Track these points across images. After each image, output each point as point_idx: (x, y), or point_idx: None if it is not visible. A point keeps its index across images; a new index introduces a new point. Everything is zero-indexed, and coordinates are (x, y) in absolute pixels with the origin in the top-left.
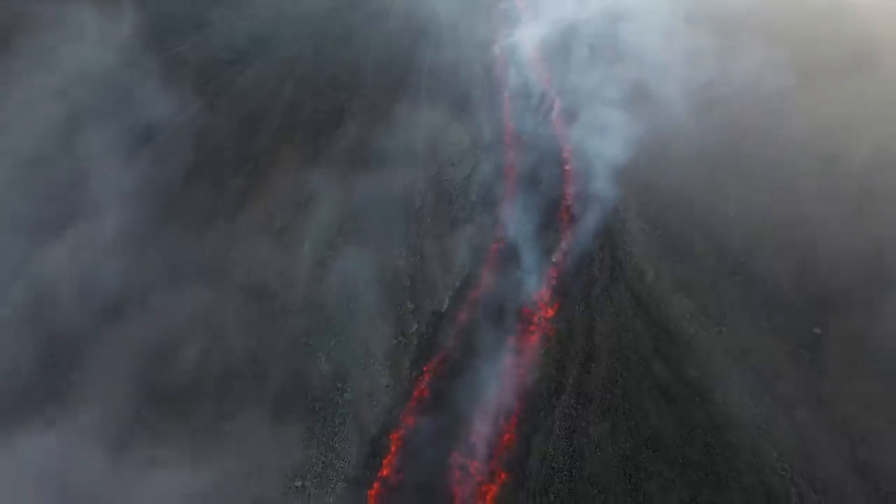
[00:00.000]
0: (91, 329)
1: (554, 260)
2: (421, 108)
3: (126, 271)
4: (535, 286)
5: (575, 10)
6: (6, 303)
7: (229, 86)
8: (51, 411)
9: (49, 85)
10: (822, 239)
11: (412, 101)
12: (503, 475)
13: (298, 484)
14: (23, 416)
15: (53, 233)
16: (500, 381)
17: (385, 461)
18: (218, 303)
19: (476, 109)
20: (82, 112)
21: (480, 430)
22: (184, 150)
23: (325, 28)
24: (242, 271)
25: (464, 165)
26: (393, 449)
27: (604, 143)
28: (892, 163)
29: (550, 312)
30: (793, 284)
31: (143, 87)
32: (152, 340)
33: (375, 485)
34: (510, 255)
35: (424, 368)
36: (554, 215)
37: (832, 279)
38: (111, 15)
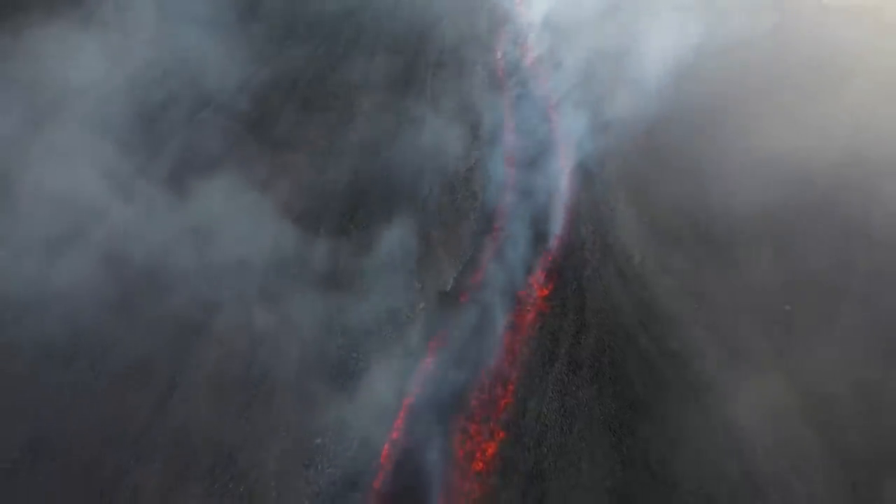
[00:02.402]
0: None
1: (549, 245)
2: (426, 106)
3: None
4: (532, 269)
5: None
6: None
7: (245, 84)
8: None
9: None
10: (797, 226)
11: (418, 99)
12: (501, 433)
13: (318, 441)
14: None
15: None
16: (499, 352)
17: (395, 423)
18: (243, 280)
19: (479, 107)
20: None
21: (480, 396)
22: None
23: (335, 28)
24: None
25: (466, 159)
26: (402, 413)
27: (596, 135)
28: (863, 158)
29: (545, 292)
30: (768, 267)
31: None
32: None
33: (386, 445)
34: (509, 241)
35: (429, 343)
36: (551, 205)
37: (804, 262)
38: None
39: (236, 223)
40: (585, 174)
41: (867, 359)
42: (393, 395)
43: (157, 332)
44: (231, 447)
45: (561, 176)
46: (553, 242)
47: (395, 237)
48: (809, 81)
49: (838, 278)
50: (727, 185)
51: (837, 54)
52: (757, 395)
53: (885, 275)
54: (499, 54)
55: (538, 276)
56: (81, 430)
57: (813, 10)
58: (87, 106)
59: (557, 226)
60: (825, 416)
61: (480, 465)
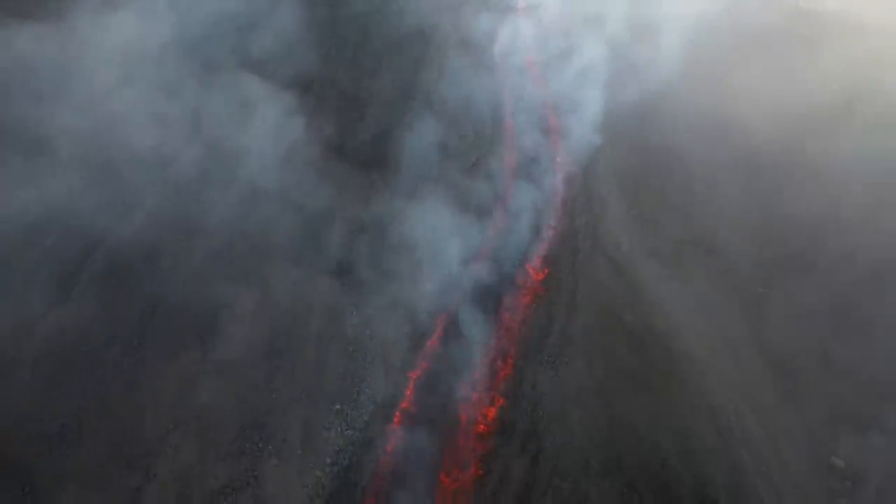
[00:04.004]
0: None
1: (544, 235)
2: (431, 107)
3: None
4: (529, 254)
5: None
6: None
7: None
8: None
9: None
10: (773, 215)
11: (423, 100)
12: (501, 400)
13: (337, 407)
14: None
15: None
16: (498, 330)
17: (406, 392)
18: (267, 261)
19: (478, 105)
20: None
21: (483, 368)
22: None
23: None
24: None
25: (468, 155)
26: (411, 385)
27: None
28: (837, 152)
29: (541, 276)
30: (745, 253)
31: None
32: None
33: (397, 414)
34: (508, 231)
35: (437, 320)
36: (546, 197)
37: (778, 247)
38: None
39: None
40: (580, 172)
41: (830, 333)
42: (401, 366)
43: (188, 311)
44: (259, 413)
45: (556, 173)
46: (549, 232)
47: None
48: (787, 83)
49: (808, 261)
50: (711, 179)
51: (813, 56)
52: (731, 367)
53: (850, 257)
54: (497, 57)
55: (535, 262)
56: (122, 400)
57: (795, 12)
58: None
59: (553, 216)
60: (791, 384)
61: (482, 426)
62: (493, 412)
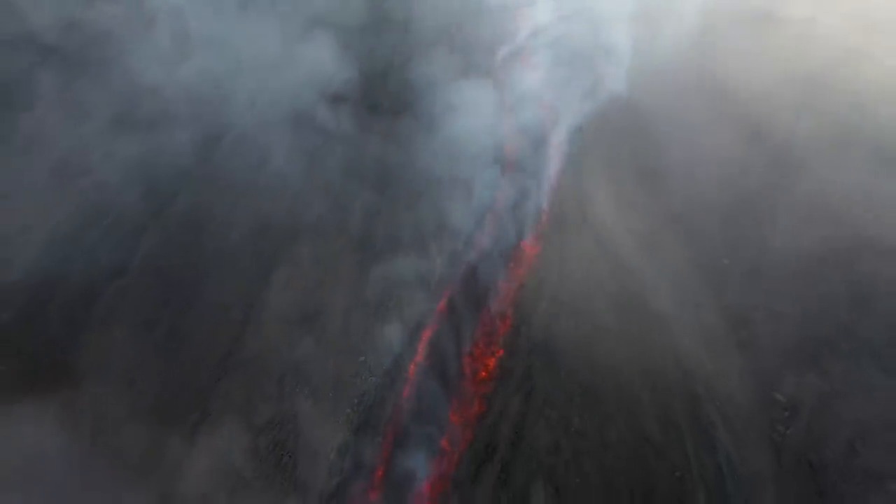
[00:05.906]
0: None
1: (539, 218)
2: (437, 108)
3: None
4: (525, 234)
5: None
6: None
7: None
8: None
9: None
10: (737, 200)
11: (430, 102)
12: (500, 352)
13: (362, 359)
14: None
15: None
16: (499, 295)
17: (419, 347)
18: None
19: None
20: None
21: (483, 327)
22: None
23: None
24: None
25: (473, 145)
26: (423, 342)
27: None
28: (804, 137)
29: (535, 250)
30: (713, 231)
31: None
32: None
33: (411, 366)
34: (506, 215)
35: (444, 292)
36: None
37: (743, 227)
38: None
39: None
40: (570, 161)
41: (781, 296)
42: (415, 325)
43: (231, 283)
44: (296, 362)
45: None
46: (543, 215)
47: None
48: (757, 88)
49: (765, 237)
50: (688, 166)
51: (791, 62)
52: (694, 322)
53: (801, 233)
54: (500, 58)
55: (530, 239)
56: (177, 354)
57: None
58: None
59: (546, 200)
60: (744, 336)
61: (484, 374)
62: (492, 361)
